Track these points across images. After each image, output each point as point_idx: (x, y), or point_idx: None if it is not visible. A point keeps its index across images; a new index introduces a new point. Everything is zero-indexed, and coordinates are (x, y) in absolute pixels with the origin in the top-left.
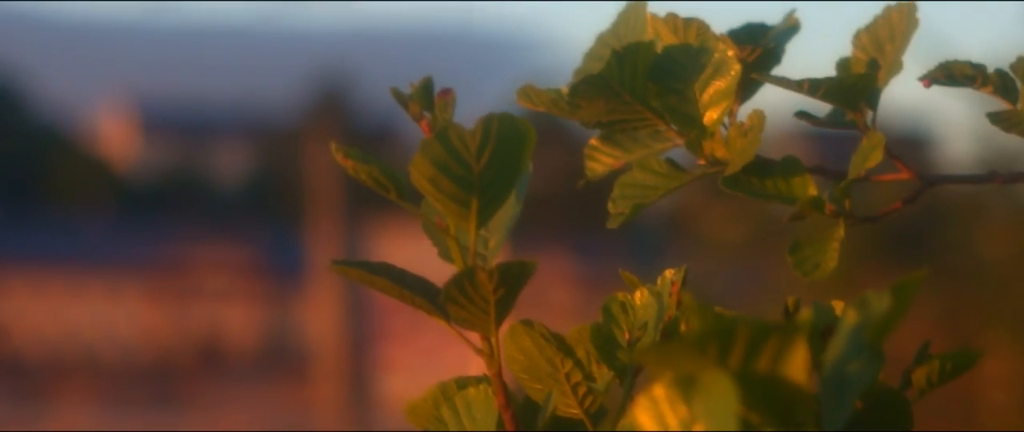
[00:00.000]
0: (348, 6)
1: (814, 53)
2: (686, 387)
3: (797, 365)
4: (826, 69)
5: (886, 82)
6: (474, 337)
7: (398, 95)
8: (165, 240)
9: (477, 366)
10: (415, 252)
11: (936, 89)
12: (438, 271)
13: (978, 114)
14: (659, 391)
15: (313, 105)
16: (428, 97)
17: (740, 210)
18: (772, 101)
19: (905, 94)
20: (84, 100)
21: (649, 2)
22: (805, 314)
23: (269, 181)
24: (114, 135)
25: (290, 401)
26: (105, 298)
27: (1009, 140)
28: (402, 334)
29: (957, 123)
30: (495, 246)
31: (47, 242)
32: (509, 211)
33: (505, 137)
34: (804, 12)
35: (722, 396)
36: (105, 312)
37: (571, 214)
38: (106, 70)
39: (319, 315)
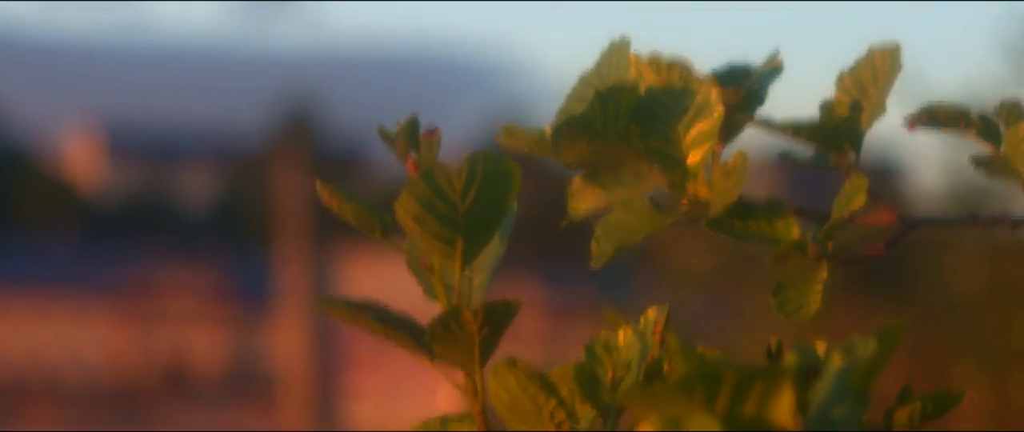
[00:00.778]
0: (316, 28)
1: (797, 94)
2: (672, 429)
3: (783, 409)
4: (809, 109)
5: (870, 125)
6: (458, 375)
7: (384, 134)
8: (131, 263)
9: (445, 394)
10: (382, 277)
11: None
12: (407, 297)
13: (949, 146)
14: None
15: (280, 129)
16: (414, 136)
17: (709, 240)
18: (755, 141)
19: (876, 124)
20: (51, 122)
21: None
22: (790, 358)
23: (236, 205)
24: (80, 158)
25: (256, 425)
26: (70, 321)
27: (977, 173)
28: (369, 361)
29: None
30: (480, 285)
31: (12, 264)
32: (494, 250)
33: (491, 176)
34: (787, 53)
35: None
36: (70, 335)
37: (540, 242)
38: (73, 92)
39: (286, 340)
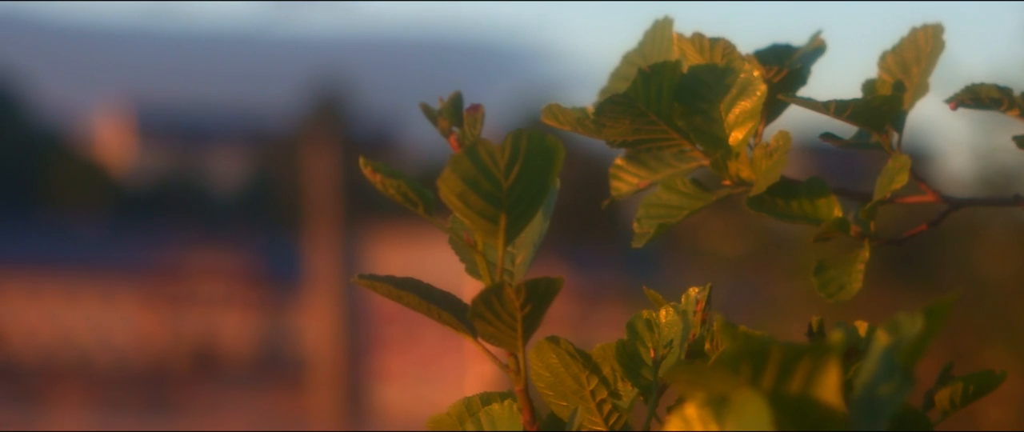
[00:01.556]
0: (347, 12)
1: (840, 74)
2: (718, 407)
3: (829, 386)
4: (851, 90)
5: (912, 104)
6: (500, 352)
7: (427, 110)
8: (161, 246)
9: (473, 377)
10: (411, 260)
11: (937, 106)
12: (438, 280)
13: (979, 131)
14: (691, 410)
15: (311, 112)
16: (457, 113)
17: (738, 224)
18: (797, 121)
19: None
20: (81, 104)
21: (674, 20)
22: (837, 335)
23: (266, 188)
24: (111, 140)
25: (285, 409)
26: (100, 303)
27: (1007, 157)
28: (398, 343)
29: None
30: (523, 262)
31: (43, 246)
32: (537, 227)
33: (534, 153)
34: (830, 33)
35: (755, 416)
36: (100, 317)
37: (568, 226)
38: (104, 74)
39: (315, 323)
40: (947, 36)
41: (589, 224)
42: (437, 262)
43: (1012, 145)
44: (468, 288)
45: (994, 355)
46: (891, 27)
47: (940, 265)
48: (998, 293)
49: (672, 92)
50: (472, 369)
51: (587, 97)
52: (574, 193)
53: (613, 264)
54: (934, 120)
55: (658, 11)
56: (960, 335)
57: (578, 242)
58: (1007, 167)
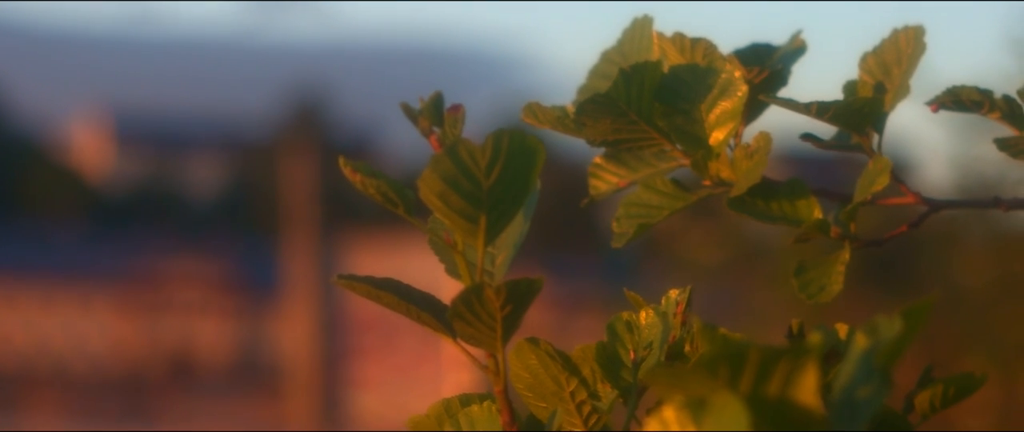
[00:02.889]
0: (326, 18)
1: (820, 75)
2: (696, 409)
3: (808, 389)
4: (832, 92)
5: (893, 106)
6: (479, 354)
7: (408, 110)
8: (138, 252)
9: (450, 384)
10: (388, 266)
11: (916, 113)
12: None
13: (955, 140)
14: (669, 412)
15: (288, 119)
16: (438, 112)
17: (716, 231)
18: (776, 125)
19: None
20: (58, 110)
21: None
22: (815, 338)
23: (243, 194)
24: (88, 146)
25: (262, 416)
26: (77, 309)
27: (986, 166)
28: (375, 351)
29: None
30: (503, 263)
31: (19, 253)
32: (517, 228)
33: (515, 153)
34: (810, 34)
35: (733, 418)
36: (76, 323)
37: (545, 233)
38: (81, 80)
39: (292, 330)
40: (928, 39)
41: (567, 231)
42: (414, 268)
43: (990, 154)
44: (445, 293)
45: (973, 363)
46: (872, 28)
47: (919, 273)
48: (976, 301)
49: (653, 92)
50: (449, 376)
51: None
52: (551, 200)
53: (591, 272)
54: (913, 128)
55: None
56: (938, 343)
57: (556, 249)
58: (985, 176)
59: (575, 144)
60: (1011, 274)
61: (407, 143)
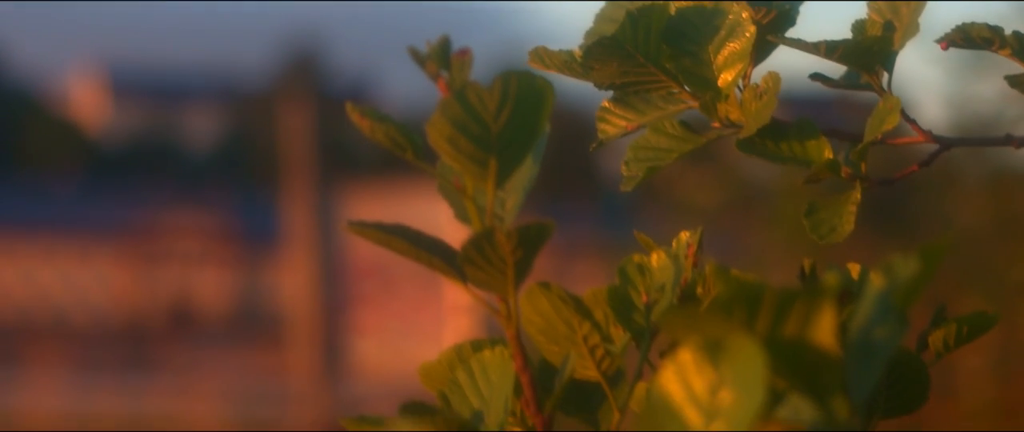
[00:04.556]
0: None
1: (828, 15)
2: (713, 352)
3: (825, 330)
4: (840, 32)
5: (902, 44)
6: (492, 298)
7: (415, 54)
8: (136, 204)
9: (451, 332)
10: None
11: (912, 53)
12: None
13: (951, 79)
14: (685, 355)
15: (285, 69)
16: (445, 56)
17: (714, 175)
18: (785, 63)
19: None
20: (55, 64)
21: None
22: (831, 277)
23: (240, 145)
24: (85, 99)
25: (262, 365)
26: (76, 262)
27: (982, 105)
28: (375, 298)
29: (929, 89)
30: (513, 207)
31: (17, 206)
32: (527, 172)
33: (524, 96)
34: None
35: (750, 360)
36: (76, 276)
37: (543, 180)
38: (77, 34)
39: (292, 279)
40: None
41: (565, 179)
42: (412, 215)
43: (986, 92)
44: (447, 240)
45: (972, 303)
46: None
47: (916, 212)
48: (975, 241)
49: (660, 34)
50: (450, 323)
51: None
52: (549, 147)
53: (589, 218)
54: (909, 68)
55: None
56: (938, 284)
57: (554, 197)
58: (982, 115)
59: (571, 90)
60: (1009, 213)
61: (403, 91)
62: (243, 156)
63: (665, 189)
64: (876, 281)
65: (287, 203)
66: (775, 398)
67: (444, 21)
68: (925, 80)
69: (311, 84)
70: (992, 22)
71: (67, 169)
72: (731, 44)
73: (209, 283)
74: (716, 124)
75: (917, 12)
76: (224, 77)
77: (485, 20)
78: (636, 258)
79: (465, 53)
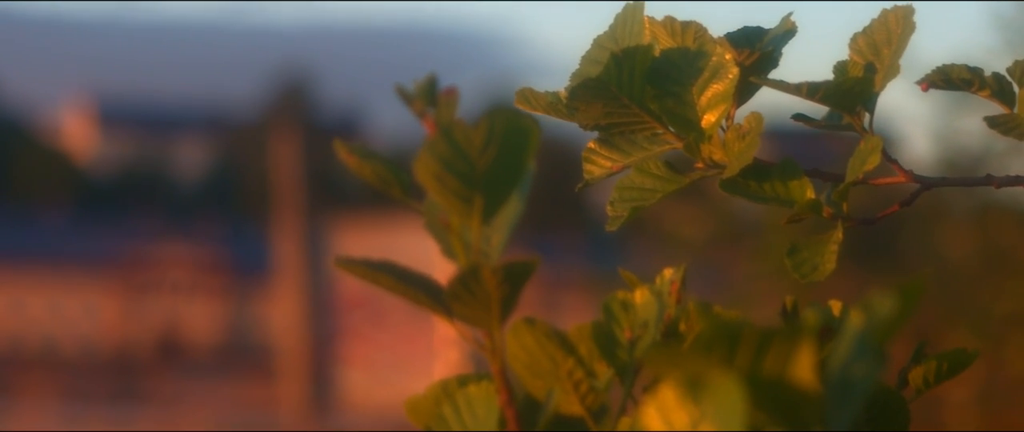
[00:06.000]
0: (309, 1)
1: (811, 57)
2: (694, 388)
3: (804, 366)
4: (823, 72)
5: (883, 86)
6: (476, 334)
7: (402, 92)
8: (126, 235)
9: (442, 364)
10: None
11: (900, 89)
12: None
13: (938, 114)
14: (667, 391)
15: (275, 100)
16: (431, 94)
17: (701, 210)
18: (767, 106)
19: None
20: (46, 94)
21: (646, 2)
22: (811, 316)
23: (231, 176)
24: (75, 130)
25: (251, 397)
26: (65, 292)
27: (970, 140)
28: (364, 330)
29: (919, 123)
30: (499, 243)
31: (7, 235)
32: (513, 209)
33: (509, 134)
34: (800, 15)
35: (730, 396)
36: (65, 306)
37: (531, 214)
38: (68, 65)
39: (281, 311)
40: (916, 18)
41: (552, 212)
42: (400, 249)
43: (973, 128)
44: (436, 274)
45: (959, 338)
46: (861, 9)
47: (904, 249)
48: (962, 276)
49: (644, 75)
50: (440, 355)
51: (556, 85)
52: (537, 181)
53: (576, 252)
54: (897, 104)
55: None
56: (923, 317)
57: (542, 230)
58: (969, 149)
59: (559, 125)
60: (994, 247)
61: (392, 123)
62: (232, 188)
63: (653, 223)
64: (855, 318)
65: (276, 234)
66: None
67: (433, 53)
68: (913, 114)
69: (300, 116)
70: (982, 55)
71: (57, 200)
72: (714, 85)
73: (198, 314)
74: (700, 164)
75: (898, 53)
76: (214, 109)
77: (473, 52)
78: (620, 295)
79: (451, 91)
